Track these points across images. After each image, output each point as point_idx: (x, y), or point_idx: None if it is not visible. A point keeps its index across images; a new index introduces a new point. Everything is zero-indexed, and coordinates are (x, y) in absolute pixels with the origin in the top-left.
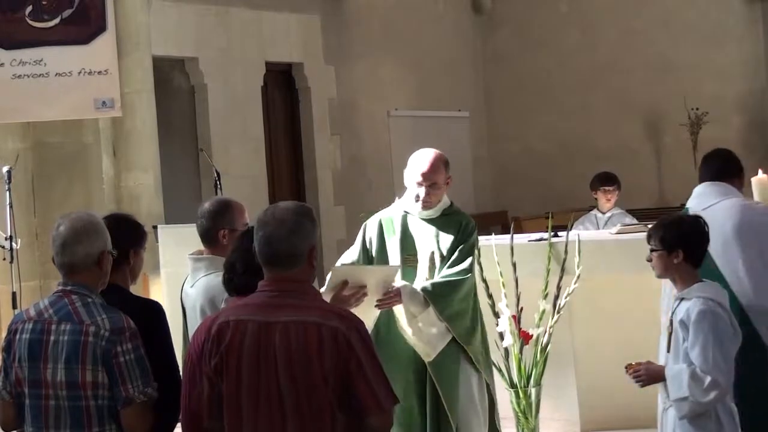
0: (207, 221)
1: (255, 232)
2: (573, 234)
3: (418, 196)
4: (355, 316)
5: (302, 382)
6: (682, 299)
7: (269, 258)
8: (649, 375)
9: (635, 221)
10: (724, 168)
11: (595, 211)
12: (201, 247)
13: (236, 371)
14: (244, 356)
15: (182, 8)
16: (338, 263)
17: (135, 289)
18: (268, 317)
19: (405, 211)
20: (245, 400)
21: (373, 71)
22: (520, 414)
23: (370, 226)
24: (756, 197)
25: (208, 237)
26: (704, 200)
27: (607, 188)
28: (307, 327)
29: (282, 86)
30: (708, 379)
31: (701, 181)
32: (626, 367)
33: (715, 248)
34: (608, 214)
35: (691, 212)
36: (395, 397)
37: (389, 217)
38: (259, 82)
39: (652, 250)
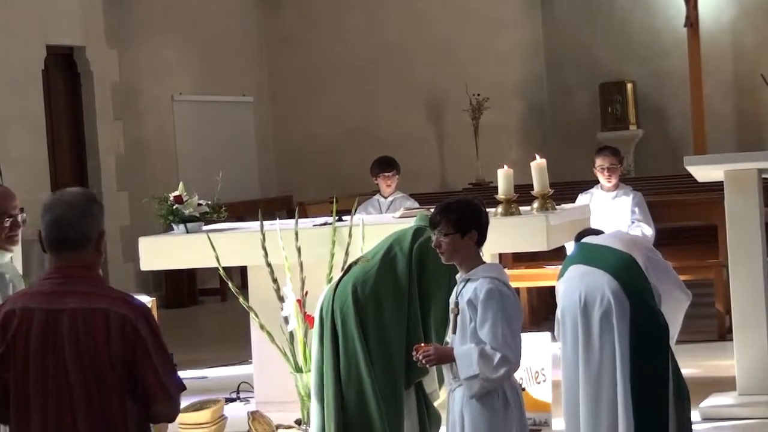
0: None
1: (42, 216)
2: (357, 218)
3: None
4: (144, 303)
5: (90, 370)
6: (468, 280)
7: (58, 241)
8: (438, 355)
9: (417, 205)
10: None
11: (377, 196)
12: None
13: (23, 361)
14: (31, 345)
15: None
16: None
17: None
18: (56, 305)
19: None
20: (33, 390)
21: (157, 55)
22: (304, 397)
23: None
24: (534, 180)
25: None
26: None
27: (386, 174)
28: (95, 314)
29: (63, 69)
30: (498, 355)
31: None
32: (415, 348)
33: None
34: (390, 198)
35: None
36: (182, 385)
37: None
38: (39, 66)
39: (443, 235)
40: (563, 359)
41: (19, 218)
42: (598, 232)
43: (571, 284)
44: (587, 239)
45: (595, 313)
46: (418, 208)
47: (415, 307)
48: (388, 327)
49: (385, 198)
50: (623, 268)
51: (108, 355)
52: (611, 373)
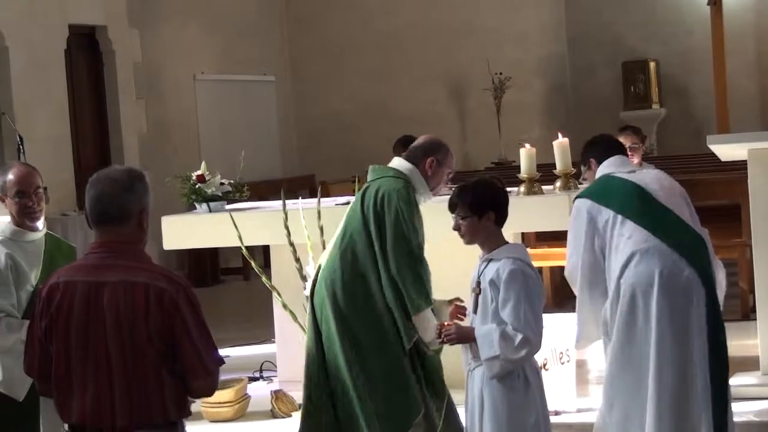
0: None
1: (87, 192)
2: None
3: (445, 182)
4: (184, 279)
5: (129, 343)
6: (490, 260)
7: (100, 216)
8: (460, 335)
9: None
10: (616, 148)
11: None
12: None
13: (65, 332)
14: (73, 317)
15: None
16: None
17: None
18: (98, 278)
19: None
20: (74, 361)
21: (179, 34)
22: None
23: (414, 207)
24: (557, 159)
25: None
26: (621, 167)
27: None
28: (135, 287)
29: (86, 49)
30: (519, 336)
31: (600, 159)
32: (437, 326)
33: (667, 201)
34: None
35: (618, 175)
36: (221, 360)
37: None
38: (62, 45)
39: (461, 218)
40: (625, 333)
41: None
42: (619, 147)
43: (645, 259)
44: (634, 176)
45: (673, 300)
46: None
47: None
48: (371, 302)
49: None
50: (699, 253)
51: (146, 329)
52: (693, 361)
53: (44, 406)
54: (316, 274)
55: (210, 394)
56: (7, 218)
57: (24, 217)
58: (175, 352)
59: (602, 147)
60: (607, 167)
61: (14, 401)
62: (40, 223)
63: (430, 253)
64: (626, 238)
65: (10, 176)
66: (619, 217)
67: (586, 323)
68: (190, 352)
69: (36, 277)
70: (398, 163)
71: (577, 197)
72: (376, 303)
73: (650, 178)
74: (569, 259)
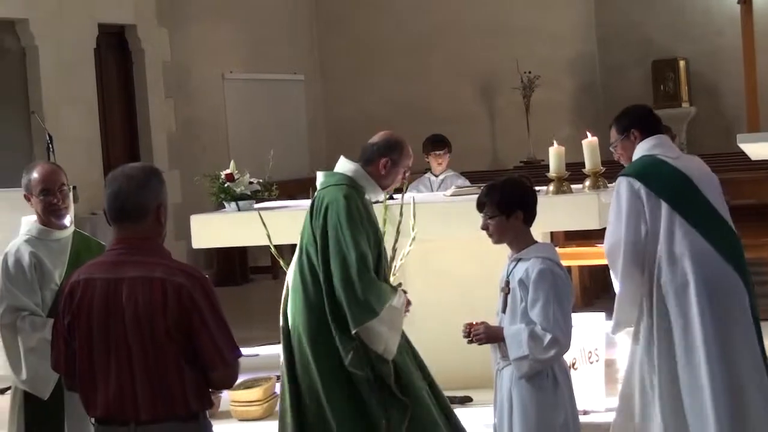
0: None
1: (105, 190)
2: (408, 196)
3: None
4: (201, 273)
5: (149, 338)
6: (519, 260)
7: (117, 213)
8: (488, 334)
9: (467, 183)
10: (659, 125)
11: (428, 174)
12: None
13: (87, 328)
14: (93, 314)
15: None
16: None
17: None
18: (116, 274)
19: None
20: (96, 357)
21: (208, 33)
22: None
23: (358, 211)
24: (586, 158)
25: None
26: (668, 151)
27: (437, 152)
28: (153, 282)
29: (115, 49)
30: (548, 336)
31: (644, 132)
32: (465, 326)
33: (709, 193)
34: (441, 177)
35: (667, 161)
36: (239, 352)
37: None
38: (91, 45)
39: (489, 217)
40: (666, 338)
41: (69, 195)
42: (661, 125)
43: (687, 259)
44: (680, 163)
45: (723, 304)
46: (468, 186)
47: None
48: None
49: (436, 176)
50: (740, 254)
51: (165, 323)
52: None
53: (70, 402)
54: (287, 288)
55: (230, 386)
56: (34, 217)
57: (50, 215)
58: (194, 345)
59: (648, 121)
60: (653, 147)
61: (39, 399)
62: (67, 221)
63: (457, 251)
64: (670, 231)
65: (35, 175)
66: (666, 207)
67: (624, 307)
68: (209, 344)
69: (61, 276)
70: (342, 165)
71: (624, 175)
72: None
73: (694, 165)
74: (609, 236)
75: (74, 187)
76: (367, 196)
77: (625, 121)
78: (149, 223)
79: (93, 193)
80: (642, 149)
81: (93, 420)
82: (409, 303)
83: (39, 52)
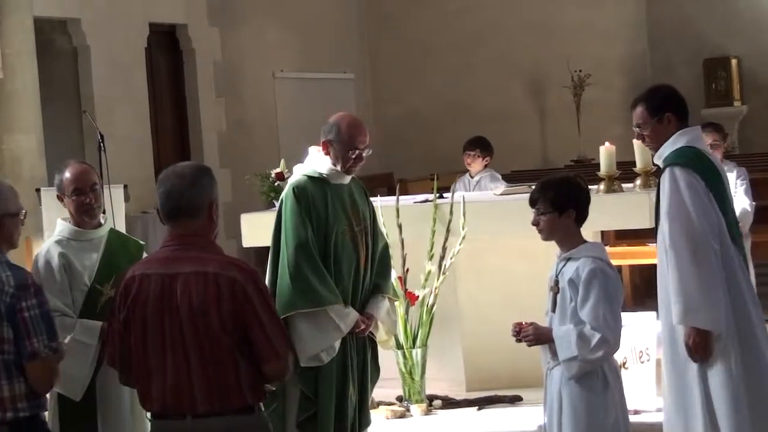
0: None
1: (157, 189)
2: (458, 195)
3: (355, 161)
4: (253, 268)
5: (203, 331)
6: (568, 259)
7: (170, 211)
8: (537, 336)
9: (504, 184)
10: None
11: (467, 174)
12: None
13: (142, 323)
14: (148, 309)
15: None
16: None
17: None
18: (170, 269)
19: (321, 176)
20: (151, 351)
21: (258, 33)
22: (406, 374)
23: (303, 199)
24: (637, 157)
25: None
26: (704, 146)
27: (468, 152)
28: (207, 277)
29: (166, 48)
30: (597, 336)
31: (681, 119)
32: (514, 325)
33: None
34: (477, 177)
35: (709, 157)
36: (291, 345)
37: (311, 186)
38: (142, 44)
39: (540, 213)
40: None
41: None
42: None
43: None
44: (716, 161)
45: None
46: (518, 186)
47: None
48: None
49: (472, 177)
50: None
51: (219, 317)
52: None
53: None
54: None
55: (283, 379)
56: (67, 217)
57: (82, 215)
58: (248, 339)
59: (683, 106)
60: (695, 140)
61: (72, 402)
62: (101, 220)
63: (506, 250)
64: (722, 230)
65: (67, 174)
66: (715, 203)
67: (695, 295)
68: (261, 337)
69: (91, 277)
70: (310, 155)
71: (676, 165)
72: None
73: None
74: (672, 224)
75: (125, 186)
76: (334, 181)
77: (658, 102)
78: (202, 220)
79: (143, 192)
80: (683, 139)
81: (149, 414)
82: (365, 323)
83: (91, 52)
